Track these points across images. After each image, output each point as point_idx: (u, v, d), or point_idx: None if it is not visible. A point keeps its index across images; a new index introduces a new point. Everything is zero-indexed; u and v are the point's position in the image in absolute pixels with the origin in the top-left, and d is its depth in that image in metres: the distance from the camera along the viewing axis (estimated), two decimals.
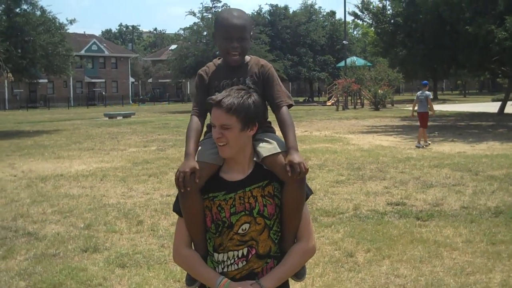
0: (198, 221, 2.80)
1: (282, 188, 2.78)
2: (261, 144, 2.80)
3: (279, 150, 2.77)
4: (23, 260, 7.24)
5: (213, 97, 2.68)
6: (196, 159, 2.77)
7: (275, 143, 2.81)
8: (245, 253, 2.75)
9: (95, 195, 11.33)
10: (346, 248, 7.33)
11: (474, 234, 7.89)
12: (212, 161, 2.79)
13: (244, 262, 2.75)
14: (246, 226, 2.74)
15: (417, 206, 9.67)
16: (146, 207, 10.10)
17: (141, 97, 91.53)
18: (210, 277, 2.77)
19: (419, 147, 18.33)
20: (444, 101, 63.05)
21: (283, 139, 2.83)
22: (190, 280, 2.94)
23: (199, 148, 2.84)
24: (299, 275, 2.92)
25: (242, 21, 2.86)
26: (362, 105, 51.37)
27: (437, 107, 43.93)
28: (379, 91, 47.36)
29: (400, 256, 6.99)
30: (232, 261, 2.76)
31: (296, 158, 2.69)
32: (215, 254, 2.80)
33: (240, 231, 2.74)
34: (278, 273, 2.78)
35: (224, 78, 2.90)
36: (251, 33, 2.96)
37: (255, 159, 2.81)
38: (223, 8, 61.82)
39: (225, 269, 2.77)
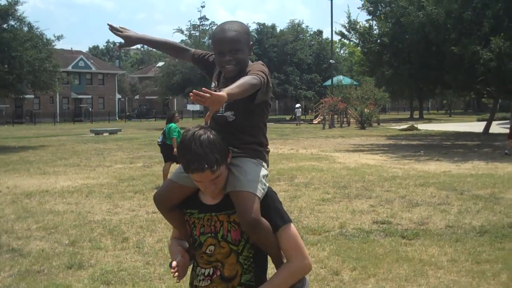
0: (182, 227, 2.98)
1: None
2: (229, 177, 2.78)
3: (241, 189, 2.73)
4: (7, 276, 7.18)
5: (190, 171, 2.64)
6: (173, 179, 2.90)
7: (241, 178, 2.76)
8: (210, 273, 2.79)
9: (80, 212, 11.27)
10: (332, 267, 7.33)
11: (459, 253, 7.92)
12: (191, 185, 2.85)
13: (209, 281, 2.79)
14: (212, 248, 2.79)
15: (402, 225, 9.70)
16: (132, 224, 10.06)
17: (127, 113, 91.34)
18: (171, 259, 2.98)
19: (508, 154, 21.32)
20: (430, 120, 63.44)
21: (255, 171, 2.82)
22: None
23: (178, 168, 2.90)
24: None
25: (232, 33, 2.82)
26: (348, 123, 51.55)
27: (423, 127, 44.26)
28: (365, 110, 47.57)
29: (386, 275, 7.00)
30: (202, 277, 2.82)
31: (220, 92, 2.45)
32: (196, 268, 2.89)
33: (207, 251, 2.81)
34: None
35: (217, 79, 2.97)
36: (250, 42, 2.93)
37: (224, 192, 2.81)
38: (210, 26, 62.21)
39: (197, 284, 2.85)
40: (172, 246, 3.07)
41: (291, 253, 2.81)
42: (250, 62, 2.94)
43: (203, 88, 2.38)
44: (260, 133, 2.95)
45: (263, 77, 2.71)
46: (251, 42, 2.95)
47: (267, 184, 2.87)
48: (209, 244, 2.79)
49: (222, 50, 2.83)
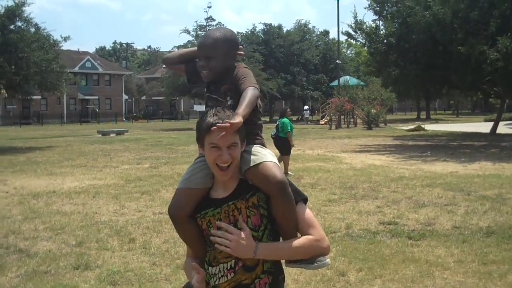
0: (197, 243, 2.90)
1: (268, 199, 2.79)
2: (243, 159, 2.80)
3: (260, 161, 2.77)
4: (14, 277, 7.21)
5: (216, 123, 2.62)
6: (184, 186, 2.85)
7: (257, 154, 2.81)
8: (232, 265, 2.77)
9: (87, 212, 11.29)
10: (338, 267, 7.33)
11: (465, 254, 7.91)
12: (203, 186, 2.84)
13: (232, 274, 2.77)
14: None
15: (409, 226, 9.68)
16: (138, 224, 10.08)
17: (134, 114, 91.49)
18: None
19: None
20: (436, 120, 63.31)
21: (265, 150, 2.88)
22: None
23: (189, 172, 2.89)
24: (311, 260, 2.84)
25: (209, 40, 2.91)
26: (355, 124, 51.52)
27: (430, 127, 44.15)
28: (372, 110, 47.52)
29: (392, 276, 6.99)
30: (222, 273, 2.79)
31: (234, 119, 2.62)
32: (210, 268, 2.83)
33: None
34: (275, 245, 2.80)
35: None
36: (235, 51, 2.98)
37: (239, 176, 2.83)
38: (217, 26, 62.24)
39: (217, 282, 2.80)
40: (187, 265, 3.00)
41: (308, 231, 2.85)
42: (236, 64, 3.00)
43: (226, 121, 2.57)
44: (258, 128, 3.00)
45: (257, 84, 2.85)
46: (236, 50, 3.00)
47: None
48: None
49: (199, 55, 2.97)
